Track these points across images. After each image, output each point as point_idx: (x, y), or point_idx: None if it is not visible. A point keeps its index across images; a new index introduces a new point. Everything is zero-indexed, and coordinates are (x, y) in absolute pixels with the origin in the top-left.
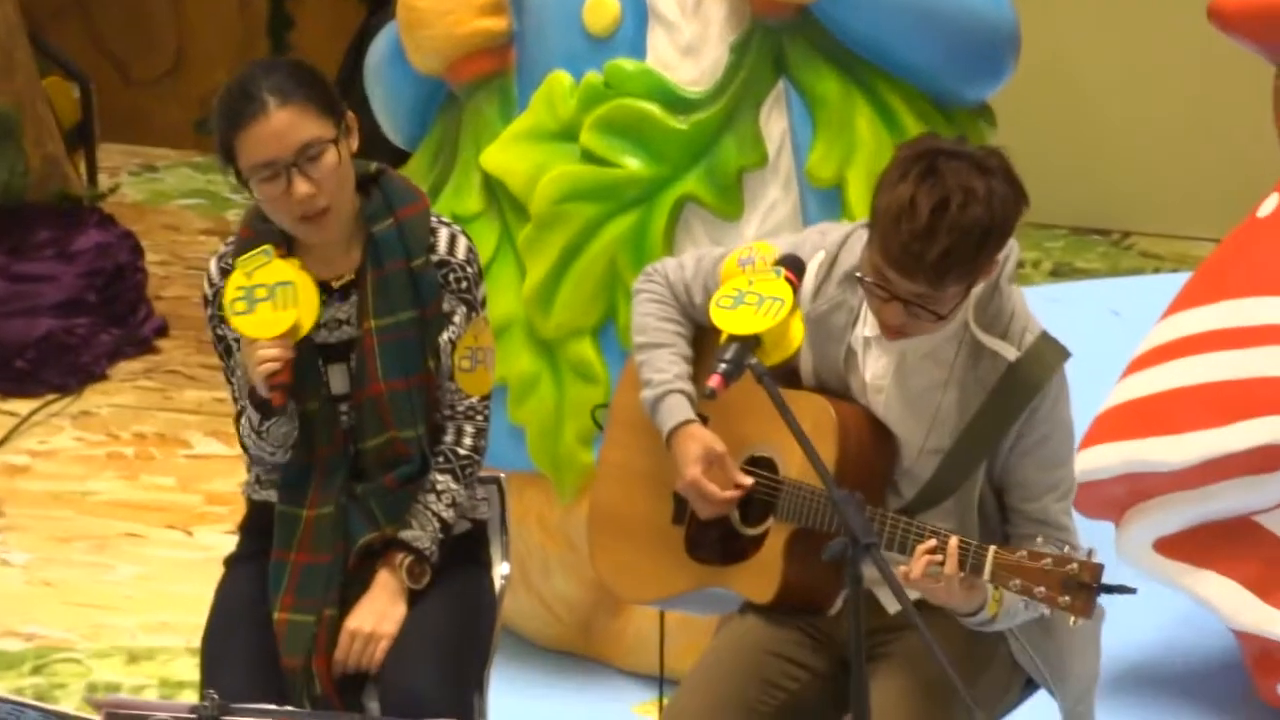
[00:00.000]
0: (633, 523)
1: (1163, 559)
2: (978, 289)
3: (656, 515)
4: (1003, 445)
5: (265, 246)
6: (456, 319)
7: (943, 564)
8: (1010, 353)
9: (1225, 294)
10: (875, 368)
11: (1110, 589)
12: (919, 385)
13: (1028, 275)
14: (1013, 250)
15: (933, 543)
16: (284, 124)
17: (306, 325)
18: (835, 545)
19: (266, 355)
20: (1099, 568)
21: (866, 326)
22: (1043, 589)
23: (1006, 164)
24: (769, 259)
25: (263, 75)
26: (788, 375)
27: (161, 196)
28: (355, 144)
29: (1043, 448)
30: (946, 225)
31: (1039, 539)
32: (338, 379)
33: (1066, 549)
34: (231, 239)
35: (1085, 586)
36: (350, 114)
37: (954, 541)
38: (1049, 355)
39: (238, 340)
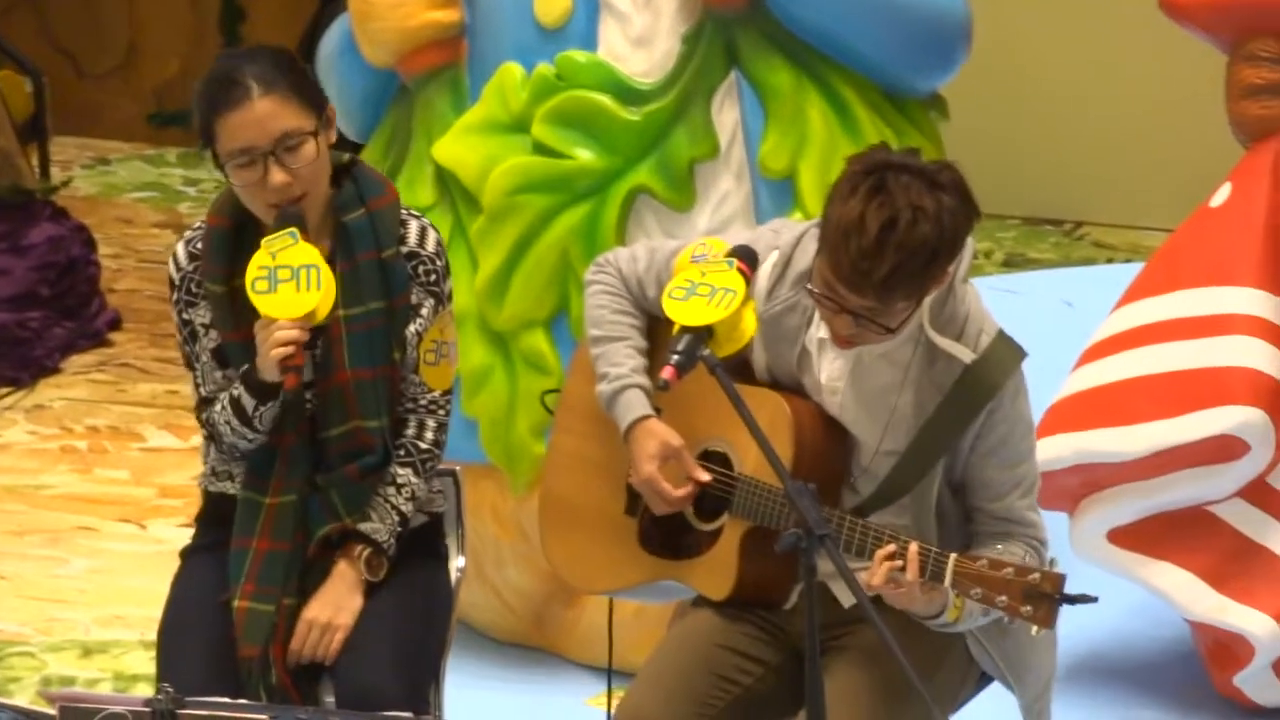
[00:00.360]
0: (585, 512)
1: (1116, 550)
2: (931, 295)
3: (609, 506)
4: (961, 447)
5: (291, 229)
6: (424, 312)
7: (903, 569)
8: (966, 355)
9: (1178, 284)
10: (831, 369)
11: (1072, 599)
12: (875, 386)
13: (980, 266)
14: (966, 250)
15: (892, 548)
16: (265, 112)
17: (324, 311)
18: (789, 537)
19: (286, 337)
20: (1061, 578)
21: (821, 329)
22: (1004, 598)
23: (958, 177)
24: (722, 255)
25: (247, 62)
26: (741, 369)
27: (114, 190)
28: (334, 137)
29: (1003, 448)
30: (895, 244)
31: (998, 545)
32: (304, 367)
33: (1027, 557)
34: (200, 224)
35: (1047, 597)
36: (331, 107)
37: (914, 548)
38: (1005, 357)
39: (205, 325)
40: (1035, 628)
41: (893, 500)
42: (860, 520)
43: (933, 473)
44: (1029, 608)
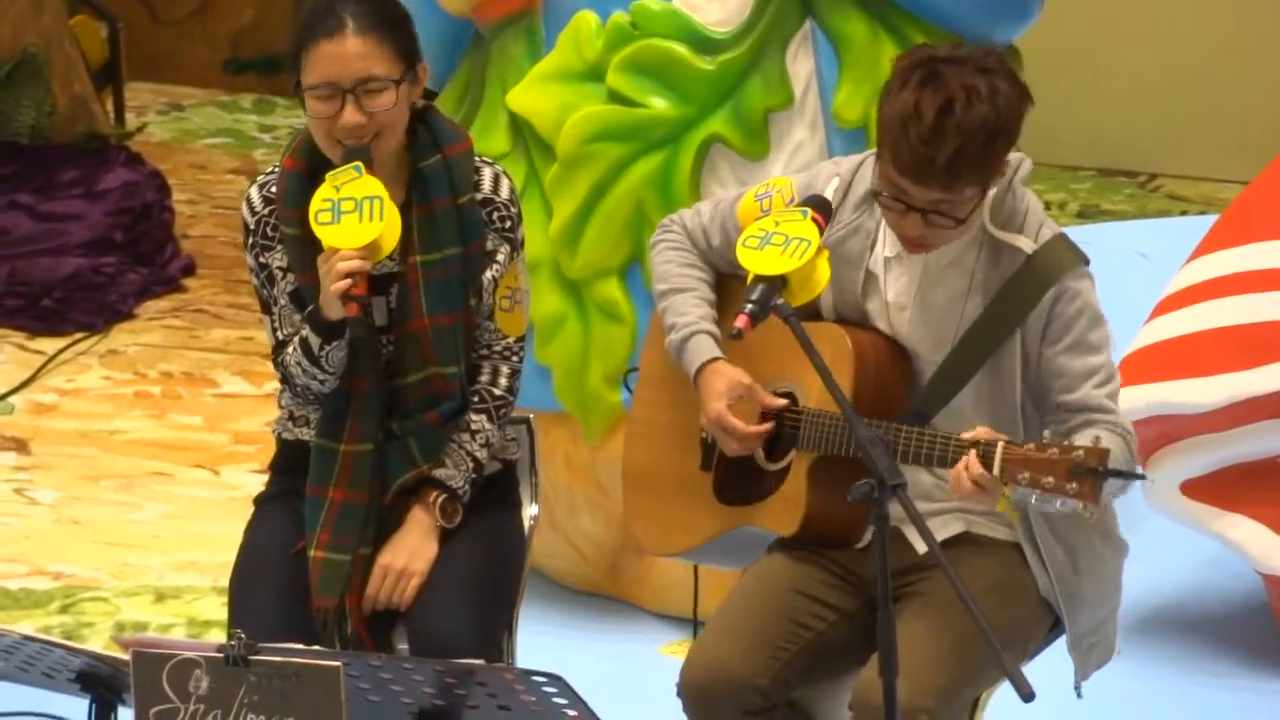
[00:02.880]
0: (662, 476)
1: (1190, 502)
2: (992, 191)
3: (685, 465)
4: (1031, 346)
5: (355, 163)
6: (500, 258)
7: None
8: (1027, 245)
9: (1253, 236)
10: (897, 286)
11: (1116, 473)
12: (942, 298)
13: (1054, 217)
14: (1024, 160)
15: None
16: (354, 51)
17: (388, 245)
18: (861, 487)
19: (347, 267)
20: (1104, 452)
21: (886, 247)
22: (1050, 479)
23: (1006, 63)
24: (785, 193)
25: (355, 0)
26: (809, 310)
27: (188, 135)
28: (419, 94)
29: (1068, 334)
30: (954, 126)
31: (1084, 434)
32: (377, 313)
33: (1077, 437)
34: (273, 168)
35: (1091, 471)
36: (423, 66)
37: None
38: (1065, 252)
39: (281, 268)
40: (1083, 504)
41: (952, 395)
42: (920, 429)
43: (1011, 382)
44: (1074, 484)
